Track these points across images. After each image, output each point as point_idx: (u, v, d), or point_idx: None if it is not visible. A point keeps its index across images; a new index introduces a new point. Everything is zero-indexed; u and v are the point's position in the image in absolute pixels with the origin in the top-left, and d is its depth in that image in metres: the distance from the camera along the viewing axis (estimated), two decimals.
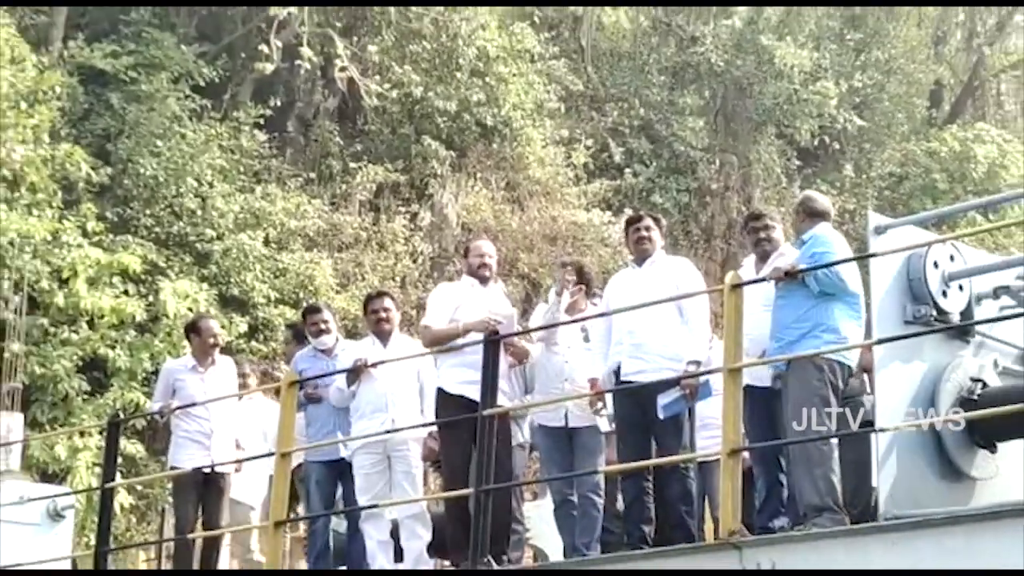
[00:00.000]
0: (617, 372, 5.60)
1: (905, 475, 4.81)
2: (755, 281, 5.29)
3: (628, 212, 13.10)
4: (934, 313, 4.97)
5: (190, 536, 6.83)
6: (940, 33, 24.31)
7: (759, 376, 5.27)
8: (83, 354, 13.38)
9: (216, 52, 17.48)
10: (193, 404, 6.76)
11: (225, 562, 7.20)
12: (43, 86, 14.18)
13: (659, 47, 21.34)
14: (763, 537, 4.82)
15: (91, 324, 13.59)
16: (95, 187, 14.84)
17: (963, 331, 5.04)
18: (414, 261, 16.69)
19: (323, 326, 6.77)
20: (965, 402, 4.91)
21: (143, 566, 7.79)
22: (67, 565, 7.93)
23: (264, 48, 16.84)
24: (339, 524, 6.76)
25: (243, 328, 14.04)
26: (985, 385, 4.98)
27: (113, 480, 6.84)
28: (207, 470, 6.64)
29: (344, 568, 6.64)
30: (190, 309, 13.69)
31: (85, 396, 13.08)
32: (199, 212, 15.20)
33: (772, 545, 4.57)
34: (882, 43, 22.09)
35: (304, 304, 12.28)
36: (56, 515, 7.76)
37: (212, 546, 6.87)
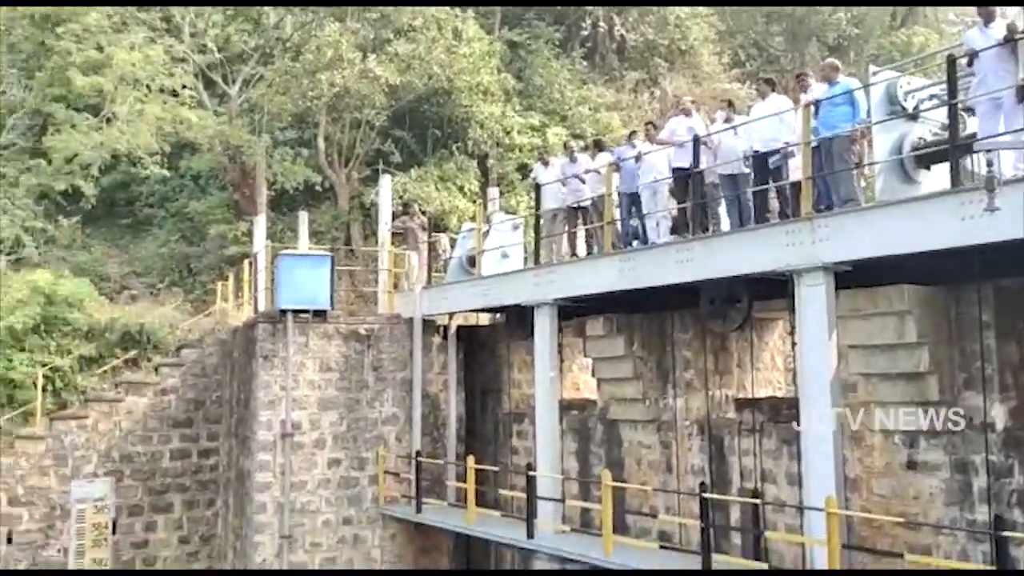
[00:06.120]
0: None
1: (888, 182, 9.76)
2: None
3: None
4: (901, 109, 9.78)
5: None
6: None
7: None
8: None
9: None
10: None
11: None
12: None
13: None
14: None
15: None
16: None
17: (914, 116, 9.80)
18: None
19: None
20: (915, 148, 9.75)
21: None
22: (519, 249, 15.31)
23: None
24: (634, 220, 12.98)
25: None
26: (924, 140, 9.80)
27: (539, 208, 14.05)
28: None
29: None
30: None
31: None
32: None
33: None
34: None
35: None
36: (515, 227, 14.80)
37: None
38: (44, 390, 17.24)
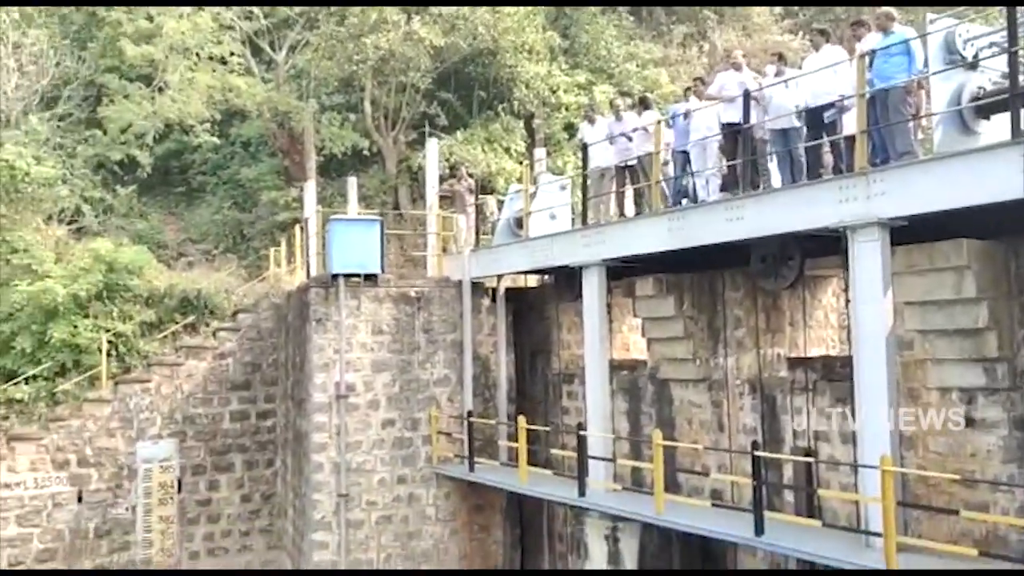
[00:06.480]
0: None
1: (946, 134, 9.51)
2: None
3: None
4: (959, 58, 9.49)
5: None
6: None
7: None
8: None
9: None
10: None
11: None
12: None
13: None
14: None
15: None
16: None
17: (973, 65, 9.51)
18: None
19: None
20: (975, 98, 9.49)
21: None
22: (567, 209, 15.31)
23: None
24: (686, 179, 12.83)
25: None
26: (984, 89, 9.52)
27: (586, 168, 13.90)
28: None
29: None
30: None
31: None
32: None
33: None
34: None
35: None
36: (562, 187, 14.84)
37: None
38: (108, 355, 17.84)
